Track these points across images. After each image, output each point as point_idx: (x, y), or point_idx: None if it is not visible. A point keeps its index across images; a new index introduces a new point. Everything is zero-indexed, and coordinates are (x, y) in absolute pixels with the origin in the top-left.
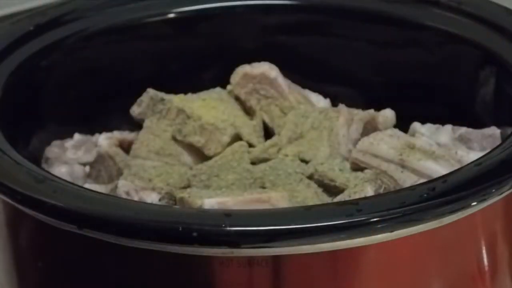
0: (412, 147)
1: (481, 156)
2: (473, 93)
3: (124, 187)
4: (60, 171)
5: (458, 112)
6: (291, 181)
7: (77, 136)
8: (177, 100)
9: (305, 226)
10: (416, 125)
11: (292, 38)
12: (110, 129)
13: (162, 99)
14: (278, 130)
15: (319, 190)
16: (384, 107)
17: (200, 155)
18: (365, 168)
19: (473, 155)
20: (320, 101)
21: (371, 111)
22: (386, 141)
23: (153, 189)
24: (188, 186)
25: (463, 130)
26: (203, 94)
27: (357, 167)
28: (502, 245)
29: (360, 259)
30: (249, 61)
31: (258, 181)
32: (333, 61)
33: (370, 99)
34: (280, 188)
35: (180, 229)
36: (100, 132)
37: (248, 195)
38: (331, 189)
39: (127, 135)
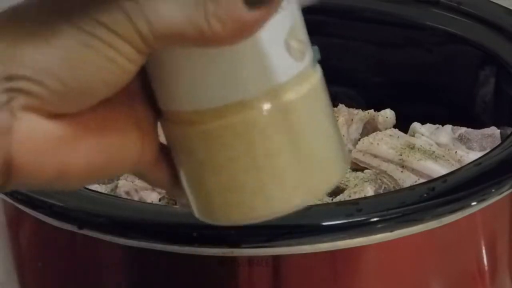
0: (412, 147)
1: (480, 156)
2: (473, 93)
3: (124, 187)
4: None
5: (458, 112)
6: None
7: None
8: None
9: (305, 226)
10: (416, 125)
11: None
12: None
13: None
14: None
15: None
16: (384, 107)
17: None
18: (365, 168)
19: (473, 155)
20: None
21: (371, 111)
22: (386, 141)
23: (153, 189)
24: None
25: (463, 130)
26: None
27: (357, 167)
28: (501, 245)
29: (360, 259)
30: None
31: None
32: (333, 61)
33: (370, 99)
34: None
35: (180, 229)
36: None
37: None
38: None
39: None
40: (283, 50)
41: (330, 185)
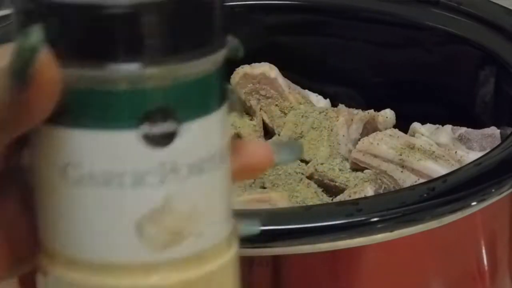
0: (412, 147)
1: (480, 156)
2: (473, 93)
3: None
4: None
5: (458, 112)
6: (291, 181)
7: None
8: None
9: (305, 226)
10: (416, 125)
11: (292, 38)
12: None
13: None
14: (278, 130)
15: (319, 190)
16: (384, 107)
17: None
18: (365, 168)
19: (472, 155)
20: (320, 101)
21: (371, 111)
22: (386, 141)
23: None
24: None
25: (463, 130)
26: None
27: (357, 167)
28: (501, 245)
29: (360, 259)
30: (249, 61)
31: (258, 181)
32: (333, 61)
33: (370, 99)
34: (280, 188)
35: None
36: None
37: (248, 195)
38: (331, 189)
39: None
40: (130, 230)
41: None
